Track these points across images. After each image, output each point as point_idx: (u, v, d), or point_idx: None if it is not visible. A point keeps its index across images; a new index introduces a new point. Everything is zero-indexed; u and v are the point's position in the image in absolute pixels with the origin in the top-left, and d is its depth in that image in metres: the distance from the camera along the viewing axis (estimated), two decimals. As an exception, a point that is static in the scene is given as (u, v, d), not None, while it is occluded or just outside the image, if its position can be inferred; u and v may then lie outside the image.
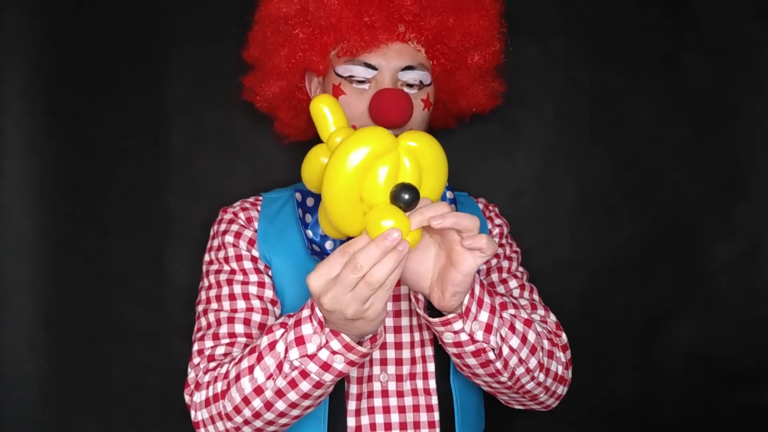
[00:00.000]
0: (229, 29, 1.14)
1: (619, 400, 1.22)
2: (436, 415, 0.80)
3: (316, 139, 1.02)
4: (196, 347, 0.79)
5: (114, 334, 1.17)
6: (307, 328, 0.63)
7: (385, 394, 0.81)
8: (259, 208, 0.89)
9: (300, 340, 0.63)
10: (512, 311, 0.73)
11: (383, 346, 0.82)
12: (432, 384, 0.81)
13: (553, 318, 0.83)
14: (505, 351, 0.70)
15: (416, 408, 0.81)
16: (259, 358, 0.66)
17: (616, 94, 1.19)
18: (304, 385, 0.64)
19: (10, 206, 1.16)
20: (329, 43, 0.82)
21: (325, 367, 0.62)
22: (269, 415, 0.67)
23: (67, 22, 1.16)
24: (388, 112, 0.76)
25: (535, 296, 0.88)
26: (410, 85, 0.81)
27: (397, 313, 0.83)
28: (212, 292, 0.82)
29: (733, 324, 1.21)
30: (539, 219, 1.20)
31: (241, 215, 0.88)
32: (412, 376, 0.81)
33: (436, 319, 0.67)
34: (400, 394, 0.81)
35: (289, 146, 1.09)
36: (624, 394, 1.22)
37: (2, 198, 1.16)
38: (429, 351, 0.82)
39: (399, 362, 0.81)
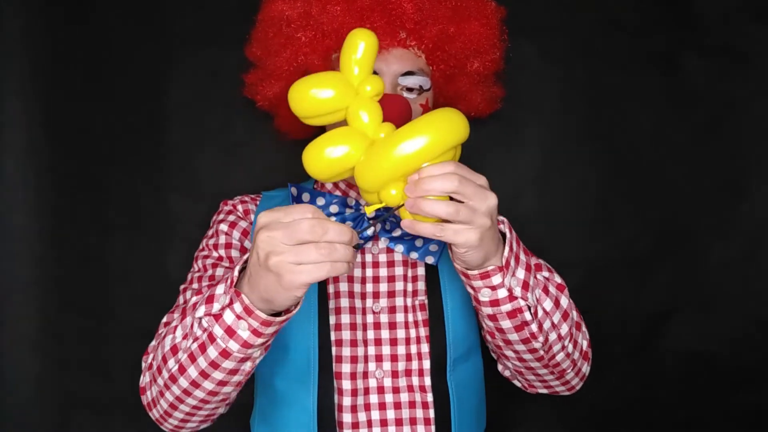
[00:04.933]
0: (229, 29, 1.14)
1: (619, 400, 1.22)
2: (432, 412, 0.80)
3: (315, 137, 1.03)
4: (164, 319, 0.80)
5: (114, 334, 1.17)
6: (220, 288, 0.63)
7: (380, 390, 0.81)
8: (257, 203, 0.92)
9: (210, 299, 0.63)
10: (546, 273, 0.74)
11: (378, 343, 0.82)
12: (427, 381, 0.81)
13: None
14: (540, 312, 0.69)
15: (412, 404, 0.81)
16: (183, 317, 0.66)
17: (616, 94, 1.19)
18: (212, 351, 0.62)
19: (10, 206, 1.16)
20: (331, 47, 0.83)
21: (230, 332, 0.61)
22: (183, 382, 0.66)
23: (67, 22, 1.16)
24: (386, 117, 0.76)
25: None
26: (410, 90, 0.81)
27: (392, 309, 0.83)
28: (196, 275, 0.85)
29: (733, 324, 1.21)
30: (539, 219, 1.20)
31: (240, 207, 0.90)
32: (408, 373, 0.81)
33: (475, 272, 0.65)
34: (396, 391, 0.81)
35: (289, 147, 1.09)
36: (624, 394, 1.22)
37: (2, 198, 1.16)
38: (425, 347, 0.82)
39: (394, 358, 0.81)
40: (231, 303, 0.60)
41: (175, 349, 0.66)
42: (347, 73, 0.64)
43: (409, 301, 0.83)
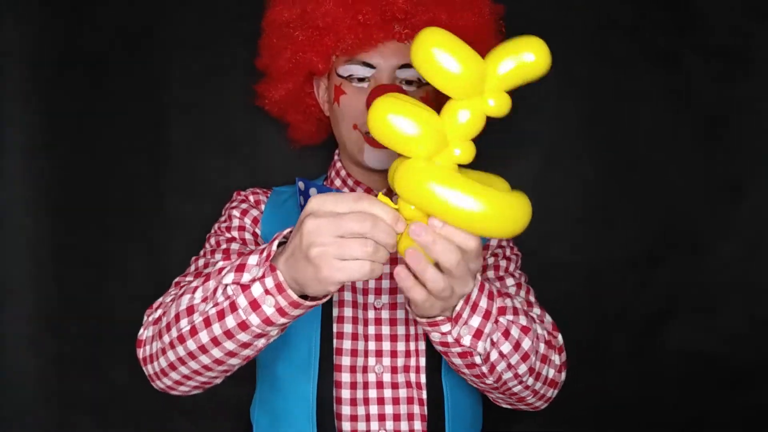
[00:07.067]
0: (230, 29, 1.14)
1: (619, 400, 1.22)
2: (426, 409, 0.81)
3: (326, 143, 1.04)
4: (175, 280, 0.79)
5: (114, 334, 1.17)
6: (253, 258, 0.60)
7: (379, 385, 0.82)
8: (268, 195, 0.95)
9: (240, 267, 0.60)
10: (510, 317, 0.72)
11: (379, 338, 0.83)
12: (423, 378, 0.82)
13: (549, 319, 0.82)
14: (494, 356, 0.68)
15: (410, 400, 0.81)
16: (206, 279, 0.64)
17: (616, 94, 1.19)
18: (230, 321, 0.60)
19: (10, 206, 1.16)
20: (329, 45, 0.84)
21: (254, 305, 0.58)
22: (191, 344, 0.63)
23: (67, 23, 1.16)
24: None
25: (531, 297, 0.87)
26: (409, 83, 0.83)
27: (393, 306, 0.84)
28: (208, 249, 0.86)
29: (733, 324, 1.21)
30: (539, 219, 1.18)
31: (251, 198, 0.93)
32: (406, 369, 0.82)
33: (424, 320, 0.65)
34: (394, 386, 0.82)
35: (291, 148, 1.10)
36: (623, 394, 1.22)
37: (2, 198, 1.16)
38: (422, 345, 0.83)
39: (394, 354, 0.82)
40: (264, 276, 0.58)
41: (191, 310, 0.63)
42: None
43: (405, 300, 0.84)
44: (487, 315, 0.66)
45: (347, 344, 0.82)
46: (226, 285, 0.60)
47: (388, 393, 0.81)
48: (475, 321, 0.65)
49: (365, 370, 0.82)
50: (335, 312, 0.82)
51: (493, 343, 0.68)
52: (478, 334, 0.66)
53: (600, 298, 1.20)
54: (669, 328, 1.21)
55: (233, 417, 1.17)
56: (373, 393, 0.81)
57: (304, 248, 0.53)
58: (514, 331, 0.70)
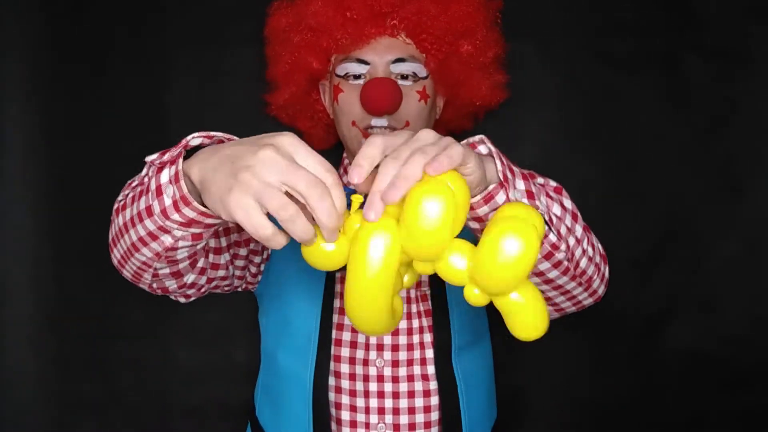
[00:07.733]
0: (230, 29, 1.14)
1: (619, 400, 1.22)
2: (434, 400, 0.81)
3: (336, 148, 1.04)
4: None
5: (114, 334, 1.17)
6: (175, 150, 0.56)
7: (380, 379, 0.82)
8: None
9: (166, 150, 0.57)
10: (540, 180, 0.68)
11: None
12: (431, 369, 0.82)
13: None
14: (553, 219, 0.63)
15: (411, 394, 0.82)
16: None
17: (616, 94, 1.19)
18: (143, 202, 0.56)
19: (10, 206, 1.16)
20: (324, 45, 0.86)
21: (158, 191, 0.54)
22: (121, 219, 0.60)
23: (68, 22, 1.16)
24: (372, 97, 0.79)
25: None
26: (404, 77, 0.84)
27: None
28: None
29: (733, 324, 1.21)
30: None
31: None
32: (410, 362, 0.83)
33: (479, 197, 0.56)
34: (395, 380, 0.82)
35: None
36: (624, 394, 1.22)
37: (2, 198, 1.16)
38: (427, 337, 0.83)
39: (395, 348, 0.83)
40: (172, 162, 0.54)
41: (130, 185, 0.64)
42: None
43: (412, 291, 0.84)
44: (525, 177, 0.61)
45: (347, 336, 0.82)
46: (150, 165, 0.58)
47: (388, 387, 0.82)
48: (521, 184, 0.59)
49: (365, 363, 0.82)
50: (336, 304, 0.83)
51: (546, 206, 0.62)
52: (530, 195, 0.60)
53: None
54: (669, 328, 1.21)
55: (234, 417, 1.17)
56: (373, 386, 0.82)
57: (239, 165, 0.46)
58: (552, 193, 0.67)
